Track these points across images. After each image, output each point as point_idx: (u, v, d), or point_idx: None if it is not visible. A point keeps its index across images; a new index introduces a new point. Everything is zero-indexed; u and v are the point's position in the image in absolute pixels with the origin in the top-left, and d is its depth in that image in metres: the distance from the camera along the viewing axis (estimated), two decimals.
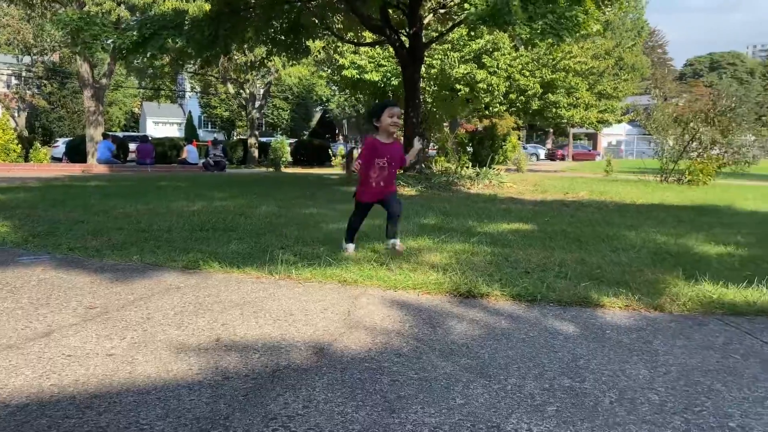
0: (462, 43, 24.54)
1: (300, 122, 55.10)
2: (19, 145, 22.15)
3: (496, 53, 25.70)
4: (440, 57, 24.53)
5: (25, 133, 35.15)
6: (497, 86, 25.83)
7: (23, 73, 44.30)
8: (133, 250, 4.62)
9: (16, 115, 42.62)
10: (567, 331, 2.98)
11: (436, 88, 25.40)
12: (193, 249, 4.63)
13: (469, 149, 22.28)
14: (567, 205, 9.17)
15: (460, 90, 25.43)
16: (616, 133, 54.94)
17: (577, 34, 11.46)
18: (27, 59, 41.85)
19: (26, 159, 23.05)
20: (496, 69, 25.84)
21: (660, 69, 66.68)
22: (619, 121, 40.98)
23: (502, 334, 2.89)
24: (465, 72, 24.75)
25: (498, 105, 27.08)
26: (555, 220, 6.95)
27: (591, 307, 3.36)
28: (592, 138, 56.02)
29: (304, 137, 45.62)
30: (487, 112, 27.20)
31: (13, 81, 46.10)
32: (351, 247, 4.61)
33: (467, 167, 16.83)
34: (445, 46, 24.18)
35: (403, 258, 4.35)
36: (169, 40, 11.92)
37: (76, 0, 22.63)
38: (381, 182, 4.42)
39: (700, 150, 15.35)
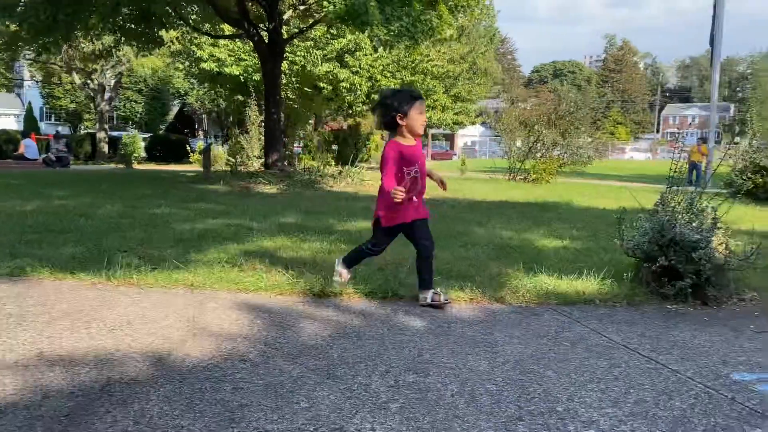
0: (325, 41, 24.54)
1: (156, 116, 51.87)
2: None
3: (358, 53, 25.99)
4: (303, 54, 24.36)
5: None
6: (360, 86, 26.14)
7: None
8: None
9: None
10: (415, 327, 3.05)
11: (298, 85, 25.22)
12: (21, 253, 4.19)
13: (335, 148, 22.38)
14: None
15: (323, 88, 25.44)
16: (471, 134, 57.92)
17: (432, 38, 11.89)
18: None
19: None
20: (358, 69, 26.15)
21: (509, 74, 71.18)
22: (473, 123, 43.16)
23: (353, 333, 2.90)
24: (327, 70, 24.79)
25: (360, 105, 27.40)
26: None
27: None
28: (450, 138, 58.61)
29: (161, 132, 43.29)
30: (351, 112, 27.42)
31: None
32: (346, 273, 3.57)
33: (330, 165, 16.85)
34: (308, 43, 24.06)
35: (258, 258, 4.23)
36: None
37: None
38: (414, 197, 3.31)
39: (544, 150, 16.56)
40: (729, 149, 13.59)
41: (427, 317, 3.20)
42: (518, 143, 16.86)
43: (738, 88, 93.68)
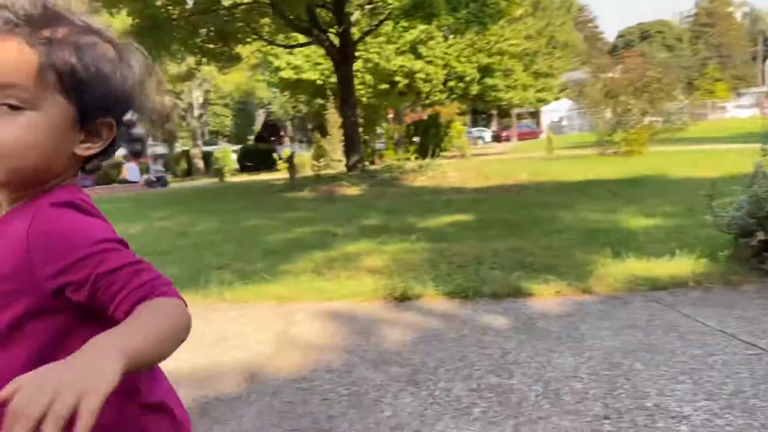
0: (396, 35, 23.63)
1: (243, 127, 50.77)
2: None
3: (431, 42, 25.42)
4: (376, 51, 23.57)
5: None
6: (435, 75, 25.78)
7: None
8: None
9: None
10: (498, 326, 2.95)
11: (374, 81, 24.55)
12: None
13: (416, 140, 21.54)
14: (507, 189, 8.87)
15: (399, 82, 25.06)
16: (557, 109, 51.84)
17: (501, 20, 11.62)
18: None
19: None
20: (432, 58, 25.71)
21: (591, 43, 64.57)
22: (557, 99, 40.94)
23: (434, 336, 2.76)
24: (402, 64, 24.54)
25: (438, 93, 27.35)
26: (493, 207, 6.75)
27: (522, 298, 3.31)
28: (535, 116, 53.14)
29: (250, 142, 42.79)
30: (427, 101, 27.72)
31: None
32: None
33: (410, 160, 16.79)
34: (381, 39, 23.00)
35: (342, 264, 4.21)
36: None
37: None
38: None
39: (633, 121, 14.71)
40: None
41: (510, 315, 3.10)
42: (607, 115, 15.05)
43: None
